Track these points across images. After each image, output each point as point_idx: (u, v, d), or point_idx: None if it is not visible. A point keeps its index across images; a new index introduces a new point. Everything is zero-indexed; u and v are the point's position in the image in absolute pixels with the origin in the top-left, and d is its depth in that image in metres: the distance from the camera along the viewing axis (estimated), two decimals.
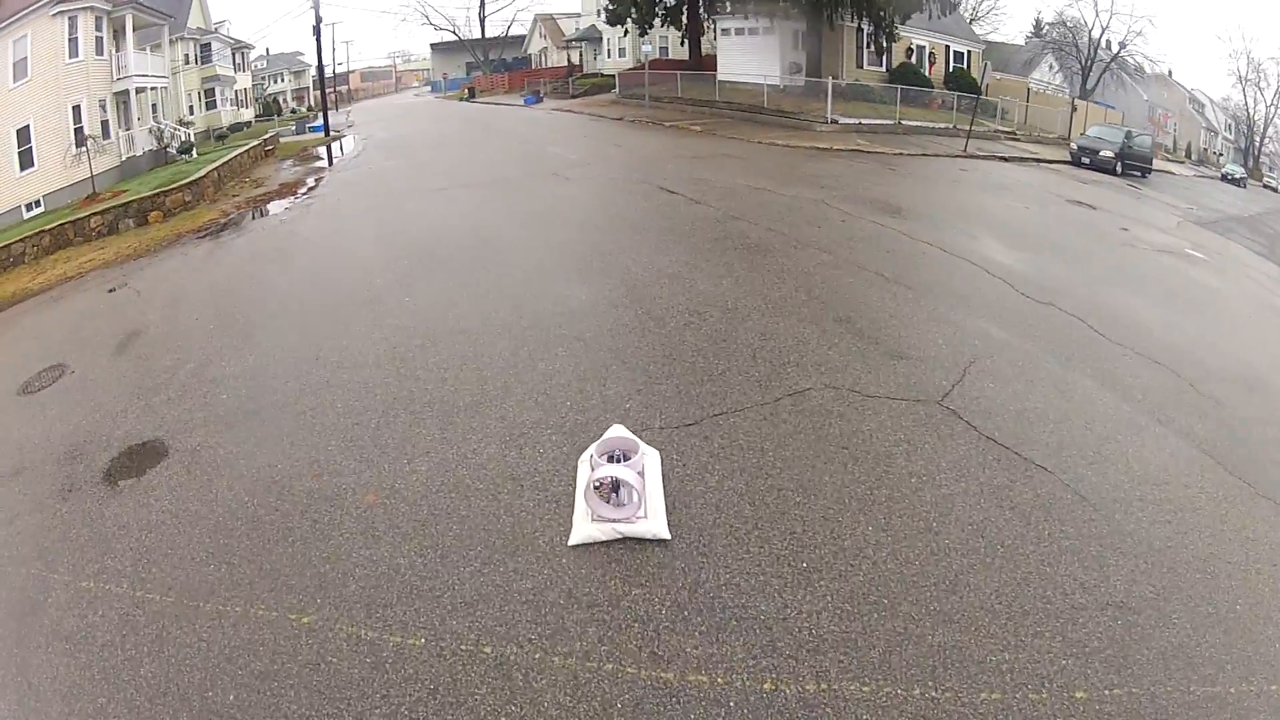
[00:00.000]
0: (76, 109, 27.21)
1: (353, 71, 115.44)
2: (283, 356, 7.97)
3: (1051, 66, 59.35)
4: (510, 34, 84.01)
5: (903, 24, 31.10)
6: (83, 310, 11.98)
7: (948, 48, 39.92)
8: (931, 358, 7.01)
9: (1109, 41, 51.65)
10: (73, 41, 27.12)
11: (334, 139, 37.37)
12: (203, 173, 21.87)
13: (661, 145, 22.33)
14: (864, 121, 26.48)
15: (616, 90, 41.74)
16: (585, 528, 4.68)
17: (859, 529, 4.74)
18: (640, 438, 5.39)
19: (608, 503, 4.75)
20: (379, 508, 5.24)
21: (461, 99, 63.35)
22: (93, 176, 24.42)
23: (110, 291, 12.60)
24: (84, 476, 6.30)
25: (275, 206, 18.66)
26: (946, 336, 7.52)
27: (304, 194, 19.76)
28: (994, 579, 4.36)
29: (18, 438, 7.37)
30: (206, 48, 50.89)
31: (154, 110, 36.23)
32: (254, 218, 17.65)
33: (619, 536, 4.62)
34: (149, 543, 5.30)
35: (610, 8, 39.15)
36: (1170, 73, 60.79)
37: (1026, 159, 25.11)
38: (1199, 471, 5.72)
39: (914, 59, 36.12)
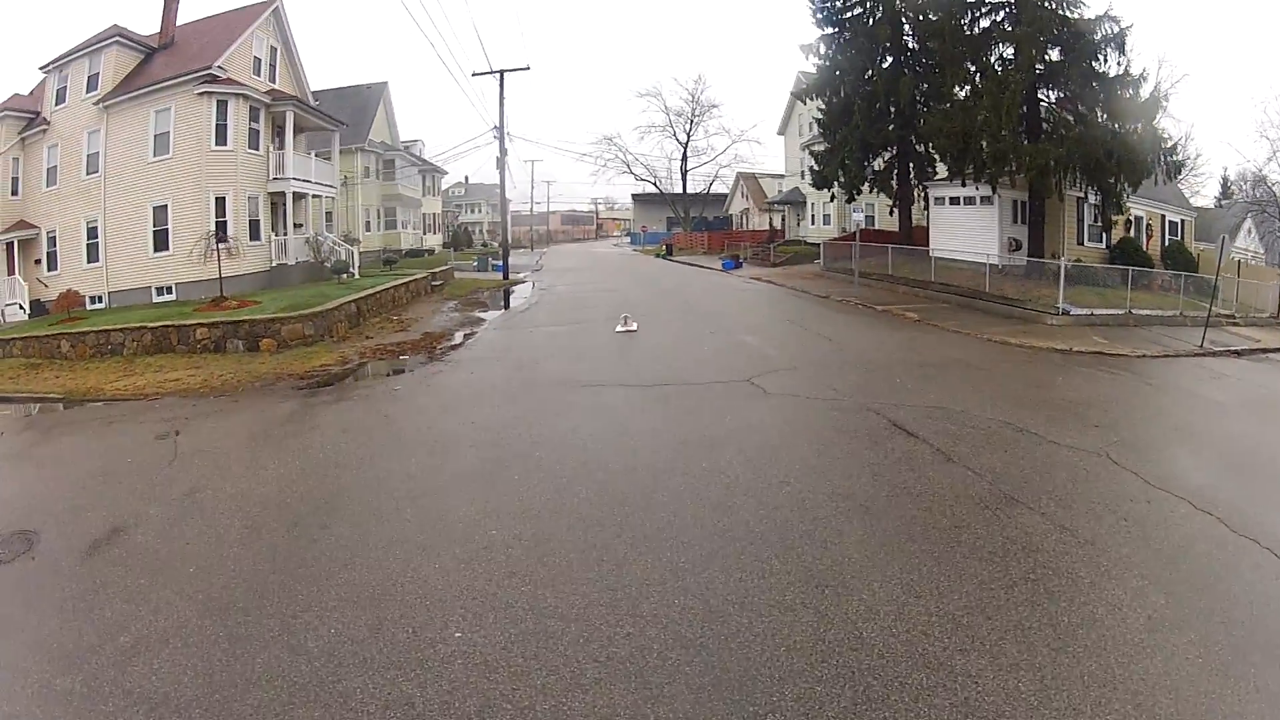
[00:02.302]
0: (220, 201, 27.21)
1: (554, 213, 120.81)
2: (244, 675, 5.12)
3: (1250, 231, 54.76)
4: (711, 191, 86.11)
5: (1133, 192, 28.03)
6: (115, 456, 10.98)
7: (1163, 217, 35.85)
8: None
9: None
10: (220, 128, 27.35)
11: (511, 283, 36.86)
12: (334, 304, 20.41)
13: (879, 342, 19.02)
14: (1095, 312, 23.71)
15: (821, 261, 39.83)
16: (617, 328, 20.21)
17: None
18: None
19: (624, 325, 20.27)
20: None
21: (659, 255, 63.83)
22: (221, 279, 23.71)
23: (158, 438, 11.48)
24: None
25: (399, 366, 16.61)
26: None
27: (440, 354, 17.60)
28: None
29: None
30: (390, 164, 52.46)
31: (328, 219, 37.05)
32: (367, 377, 15.64)
33: (625, 331, 19.81)
34: None
35: (815, 169, 37.80)
36: None
37: (1256, 350, 21.97)
38: None
39: (1132, 232, 32.18)
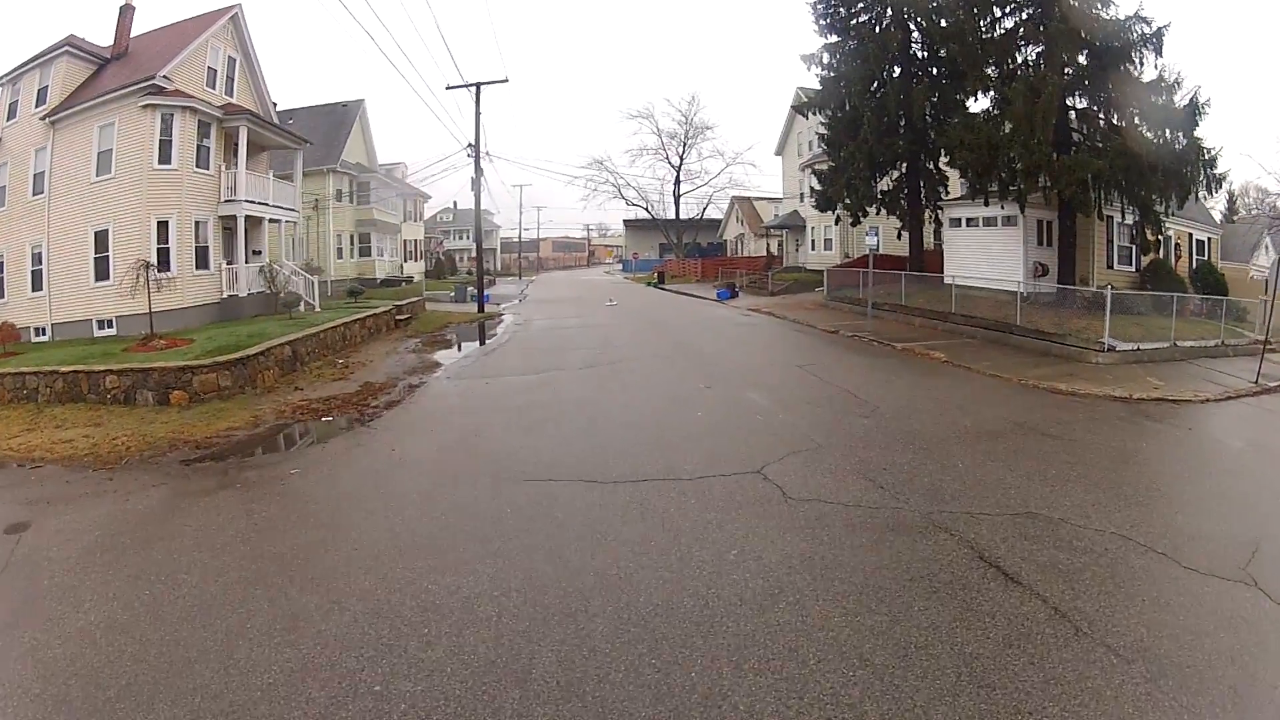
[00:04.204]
0: (163, 225, 24.32)
1: (545, 239, 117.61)
2: None
3: (1268, 248, 53.76)
4: (705, 216, 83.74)
5: (1178, 209, 25.69)
6: None
7: (1190, 236, 33.51)
8: None
9: None
10: (165, 144, 24.34)
11: (487, 317, 33.86)
12: (259, 349, 17.39)
13: (915, 397, 15.49)
14: (1140, 346, 21.02)
15: (824, 290, 36.83)
16: (604, 305, 41.97)
17: None
18: None
19: (610, 303, 42.82)
20: None
21: (650, 283, 61.21)
22: (151, 314, 20.84)
23: (6, 531, 9.12)
24: None
25: (315, 433, 13.55)
26: None
27: (370, 415, 14.38)
28: None
29: None
30: (365, 187, 48.80)
31: (293, 246, 34.07)
32: (271, 450, 12.67)
33: (611, 305, 41.48)
34: None
35: (818, 189, 34.85)
36: None
37: None
38: None
39: (1161, 253, 29.46)
